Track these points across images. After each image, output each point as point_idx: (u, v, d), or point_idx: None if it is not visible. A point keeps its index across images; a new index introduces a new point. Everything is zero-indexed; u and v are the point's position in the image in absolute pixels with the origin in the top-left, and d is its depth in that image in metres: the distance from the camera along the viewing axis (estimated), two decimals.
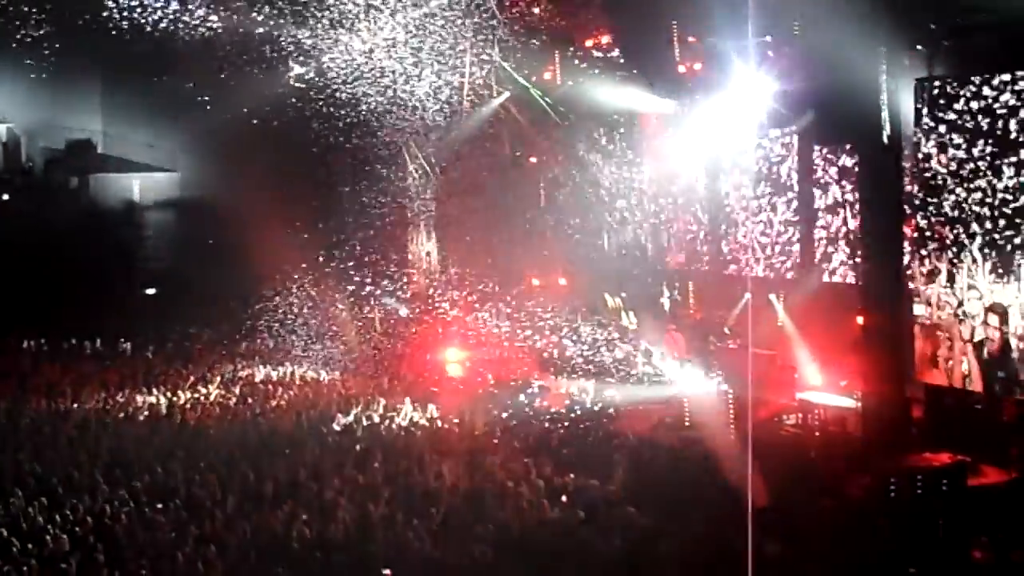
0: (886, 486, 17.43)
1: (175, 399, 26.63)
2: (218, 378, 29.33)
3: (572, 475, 19.30)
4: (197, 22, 31.35)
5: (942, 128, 19.95)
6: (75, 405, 26.13)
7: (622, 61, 30.99)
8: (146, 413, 25.34)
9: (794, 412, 21.80)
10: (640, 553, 15.20)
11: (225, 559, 15.68)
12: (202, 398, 26.93)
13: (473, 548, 15.45)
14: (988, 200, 19.08)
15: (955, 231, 19.65)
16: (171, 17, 31.18)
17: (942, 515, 16.68)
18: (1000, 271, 18.89)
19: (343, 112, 33.22)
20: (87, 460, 20.72)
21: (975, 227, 19.25)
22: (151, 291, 40.43)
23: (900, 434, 19.24)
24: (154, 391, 27.52)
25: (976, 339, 19.32)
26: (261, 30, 31.80)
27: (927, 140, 20.27)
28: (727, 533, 15.34)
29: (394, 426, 23.88)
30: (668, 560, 14.87)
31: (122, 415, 25.20)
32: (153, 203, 41.80)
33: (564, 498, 18.05)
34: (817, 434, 20.82)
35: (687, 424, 23.28)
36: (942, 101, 19.98)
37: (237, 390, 27.97)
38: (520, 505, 17.67)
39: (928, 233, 20.18)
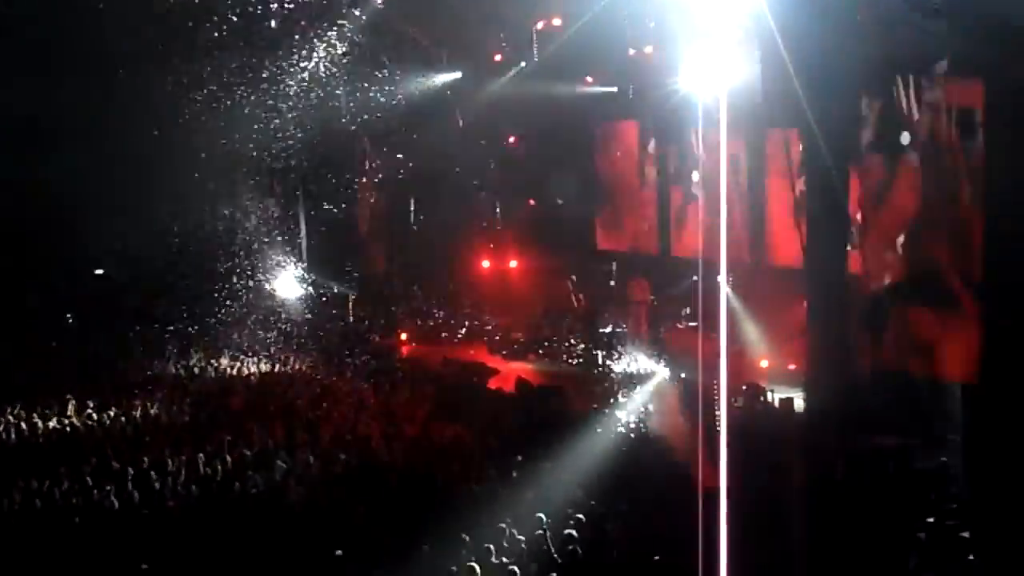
0: (831, 469, 17.30)
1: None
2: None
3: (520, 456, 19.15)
4: None
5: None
6: None
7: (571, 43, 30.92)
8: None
9: (742, 395, 21.74)
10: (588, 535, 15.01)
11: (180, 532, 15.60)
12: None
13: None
14: None
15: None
16: None
17: (888, 497, 16.61)
18: None
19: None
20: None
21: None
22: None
23: (845, 418, 18.69)
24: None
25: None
26: None
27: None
28: (675, 514, 15.33)
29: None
30: (616, 542, 14.74)
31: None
32: None
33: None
34: (765, 417, 20.79)
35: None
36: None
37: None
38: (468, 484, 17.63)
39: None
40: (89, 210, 29.75)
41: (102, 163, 29.04)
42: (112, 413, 22.79)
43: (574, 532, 14.67)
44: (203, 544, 15.07)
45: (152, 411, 23.09)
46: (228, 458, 19.18)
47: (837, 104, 19.62)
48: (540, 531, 14.56)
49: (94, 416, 22.57)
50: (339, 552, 14.40)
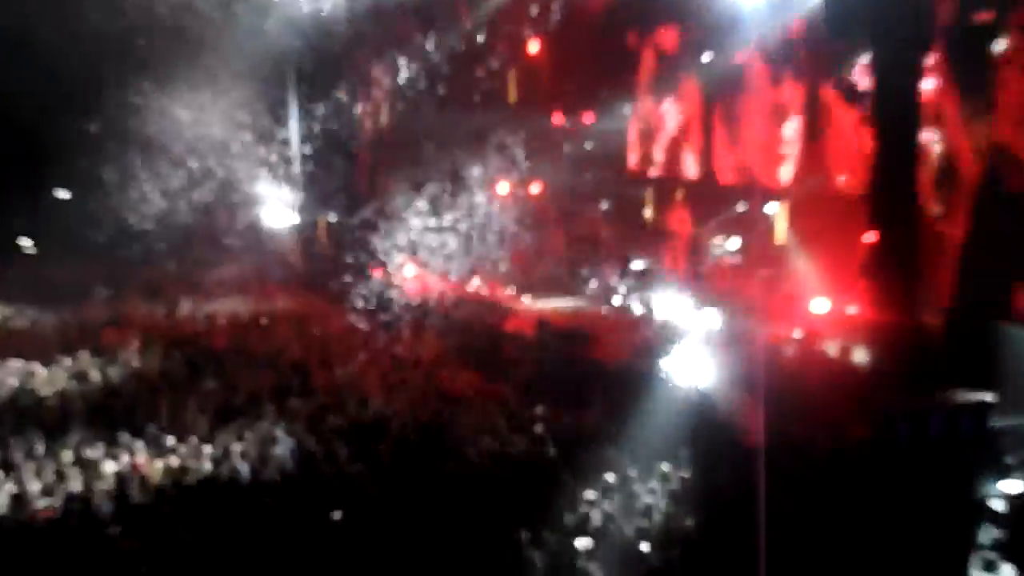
0: (894, 428, 16.21)
1: None
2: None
3: (541, 407, 18.28)
4: None
5: None
6: None
7: None
8: None
9: (795, 343, 20.65)
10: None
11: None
12: None
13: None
14: None
15: None
16: None
17: (959, 460, 15.55)
18: None
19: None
20: None
21: None
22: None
23: (916, 368, 17.78)
24: None
25: None
26: None
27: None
28: (719, 476, 14.92)
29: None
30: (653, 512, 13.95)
31: None
32: None
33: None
34: (820, 367, 19.67)
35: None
36: None
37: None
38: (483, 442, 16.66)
39: None
40: (54, 127, 29.02)
41: (72, 73, 28.36)
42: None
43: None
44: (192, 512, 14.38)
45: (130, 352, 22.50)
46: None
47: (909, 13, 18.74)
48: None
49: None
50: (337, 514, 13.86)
